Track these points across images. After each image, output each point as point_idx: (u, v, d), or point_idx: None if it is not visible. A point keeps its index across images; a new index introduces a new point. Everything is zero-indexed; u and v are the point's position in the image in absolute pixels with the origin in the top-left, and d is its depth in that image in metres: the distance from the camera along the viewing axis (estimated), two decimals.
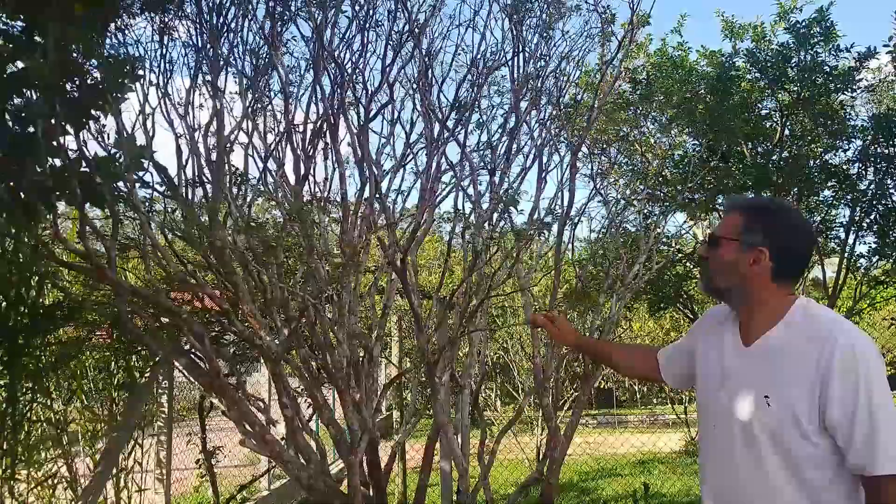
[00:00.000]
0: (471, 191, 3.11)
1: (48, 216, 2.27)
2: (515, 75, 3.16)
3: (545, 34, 3.24)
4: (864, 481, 1.43)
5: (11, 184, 2.19)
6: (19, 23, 2.23)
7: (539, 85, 3.24)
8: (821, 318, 1.53)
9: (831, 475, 1.45)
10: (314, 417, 4.31)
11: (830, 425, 1.42)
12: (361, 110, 2.99)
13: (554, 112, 3.31)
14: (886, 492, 1.38)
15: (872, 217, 5.65)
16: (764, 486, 1.50)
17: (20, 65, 2.27)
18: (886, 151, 5.52)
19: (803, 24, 5.17)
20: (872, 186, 5.64)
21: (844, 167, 5.71)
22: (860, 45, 5.30)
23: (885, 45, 5.16)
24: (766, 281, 1.58)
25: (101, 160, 2.56)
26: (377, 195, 2.90)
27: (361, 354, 2.98)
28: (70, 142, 2.38)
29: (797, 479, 1.46)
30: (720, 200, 5.43)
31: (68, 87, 2.56)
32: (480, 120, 3.26)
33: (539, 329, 2.99)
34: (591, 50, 3.48)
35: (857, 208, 5.70)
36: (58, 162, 2.41)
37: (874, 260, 5.86)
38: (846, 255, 5.86)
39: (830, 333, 1.46)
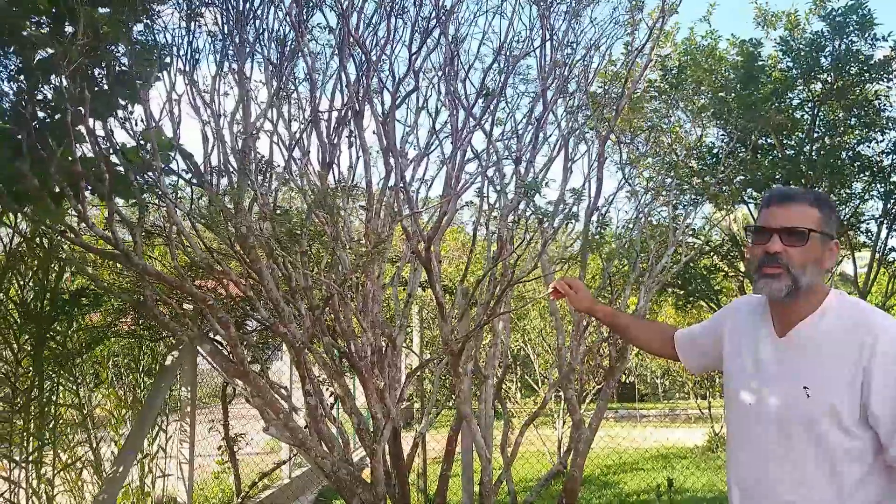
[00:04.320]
0: (496, 180, 3.08)
1: (77, 203, 2.28)
2: (543, 63, 3.11)
3: (573, 21, 3.18)
4: None
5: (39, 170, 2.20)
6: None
7: (566, 73, 3.18)
8: (860, 309, 1.51)
9: (867, 469, 1.43)
10: (336, 406, 4.33)
11: (873, 417, 1.40)
12: (387, 97, 2.97)
13: (581, 100, 3.26)
14: None
15: None
16: (796, 478, 1.47)
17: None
18: None
19: (839, 11, 5.04)
20: None
21: (878, 159, 5.58)
22: None
23: None
24: (824, 274, 1.56)
25: (129, 150, 2.57)
26: (402, 184, 2.88)
27: (384, 343, 2.97)
28: (98, 129, 2.40)
29: (832, 471, 1.44)
30: (749, 192, 5.34)
31: (96, 73, 2.58)
32: (506, 108, 3.21)
33: (563, 319, 2.94)
34: (620, 38, 3.42)
35: (891, 201, 5.57)
36: (86, 149, 2.42)
37: None
38: (877, 248, 5.74)
39: (871, 324, 1.44)
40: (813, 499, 1.45)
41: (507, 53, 3.07)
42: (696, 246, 4.95)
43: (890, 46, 5.09)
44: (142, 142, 2.56)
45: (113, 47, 2.52)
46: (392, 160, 2.88)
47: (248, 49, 2.79)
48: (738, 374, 1.65)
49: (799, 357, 1.51)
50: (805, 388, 1.46)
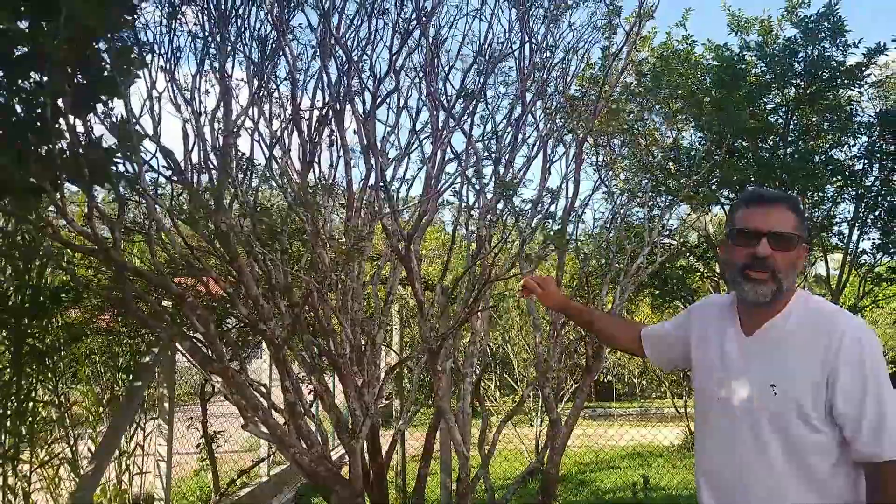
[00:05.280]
0: (475, 180, 3.11)
1: (56, 197, 2.27)
2: (522, 65, 3.15)
3: (552, 25, 3.23)
4: (868, 467, 1.45)
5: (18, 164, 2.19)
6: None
7: (545, 75, 3.23)
8: (826, 310, 1.56)
9: (833, 463, 1.48)
10: (315, 404, 4.34)
11: (838, 415, 1.45)
12: (368, 97, 2.99)
13: (559, 103, 3.30)
14: (889, 474, 1.41)
15: (877, 213, 5.65)
16: (766, 474, 1.51)
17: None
18: (892, 148, 5.51)
19: (811, 18, 5.14)
20: (877, 183, 5.64)
21: (850, 163, 5.70)
22: (868, 41, 5.27)
23: (894, 40, 5.14)
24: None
25: (108, 150, 2.56)
26: (382, 183, 2.90)
27: (364, 341, 2.99)
28: (78, 126, 2.39)
29: (800, 466, 1.48)
30: (725, 194, 5.43)
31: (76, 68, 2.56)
32: (486, 110, 3.26)
33: (542, 317, 2.98)
34: (597, 42, 3.47)
35: (862, 204, 5.70)
36: (65, 143, 2.41)
37: (878, 256, 5.87)
38: (849, 251, 5.87)
39: (837, 325, 1.48)
40: (782, 492, 1.50)
41: (487, 55, 3.11)
42: (671, 247, 5.03)
43: (861, 53, 5.21)
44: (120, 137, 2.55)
45: (94, 43, 2.51)
46: (372, 159, 2.90)
47: (229, 47, 2.80)
48: (707, 371, 1.68)
49: (766, 355, 1.55)
50: (772, 385, 1.50)
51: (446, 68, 3.13)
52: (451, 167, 3.19)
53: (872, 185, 5.67)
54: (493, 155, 3.12)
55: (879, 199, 5.61)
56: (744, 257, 1.55)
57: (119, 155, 2.53)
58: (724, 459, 1.60)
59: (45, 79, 2.16)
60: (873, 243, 5.85)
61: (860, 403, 1.42)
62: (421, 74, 3.06)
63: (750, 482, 1.54)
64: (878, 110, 5.68)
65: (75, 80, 2.43)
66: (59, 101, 2.18)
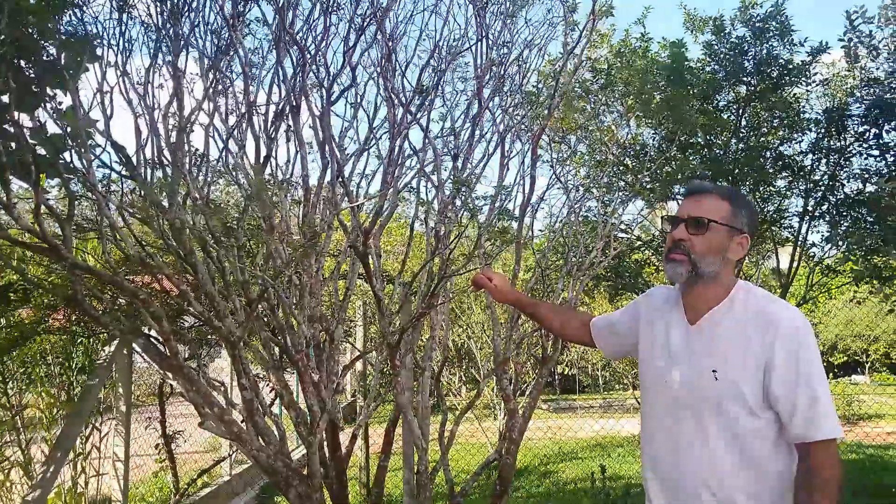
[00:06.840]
0: (434, 176, 3.14)
1: (2, 195, 2.22)
2: (479, 61, 3.19)
3: (508, 21, 3.27)
4: (800, 447, 1.53)
5: None
6: None
7: (502, 72, 3.27)
8: (765, 300, 1.63)
9: (770, 446, 1.55)
10: (276, 402, 4.32)
11: (773, 399, 1.52)
12: (324, 93, 2.99)
13: (516, 99, 3.35)
14: (819, 454, 1.50)
15: (825, 207, 5.86)
16: (708, 457, 1.58)
17: None
18: (838, 144, 5.71)
19: (759, 17, 5.29)
20: (825, 177, 5.84)
21: (798, 158, 5.89)
22: (816, 41, 5.44)
23: (839, 40, 5.33)
24: (732, 265, 1.68)
25: (55, 137, 2.51)
26: (339, 178, 2.91)
27: (323, 338, 2.99)
28: (25, 119, 2.34)
29: (739, 450, 1.55)
30: (677, 189, 5.56)
31: (23, 63, 2.51)
32: (444, 107, 3.28)
33: (499, 312, 3.02)
34: (554, 38, 3.53)
35: (810, 198, 5.90)
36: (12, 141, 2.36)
37: (826, 248, 6.09)
38: (799, 243, 6.07)
39: (775, 314, 1.56)
40: (722, 476, 1.56)
41: (442, 51, 3.13)
42: (625, 240, 5.14)
43: (806, 52, 5.38)
44: (68, 130, 2.50)
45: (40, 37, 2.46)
46: (328, 154, 2.91)
47: (182, 42, 2.77)
48: (652, 360, 1.75)
49: (708, 343, 1.62)
50: (714, 371, 1.57)
51: (403, 64, 3.14)
52: (410, 163, 3.21)
53: (821, 180, 5.87)
54: (452, 151, 3.15)
55: (827, 193, 5.81)
56: (668, 242, 1.66)
57: (67, 149, 2.48)
58: (668, 445, 1.67)
59: None
60: (822, 236, 6.08)
61: (794, 388, 1.50)
62: (378, 70, 3.07)
63: (692, 466, 1.60)
64: (825, 108, 5.88)
65: (21, 75, 2.38)
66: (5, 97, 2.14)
